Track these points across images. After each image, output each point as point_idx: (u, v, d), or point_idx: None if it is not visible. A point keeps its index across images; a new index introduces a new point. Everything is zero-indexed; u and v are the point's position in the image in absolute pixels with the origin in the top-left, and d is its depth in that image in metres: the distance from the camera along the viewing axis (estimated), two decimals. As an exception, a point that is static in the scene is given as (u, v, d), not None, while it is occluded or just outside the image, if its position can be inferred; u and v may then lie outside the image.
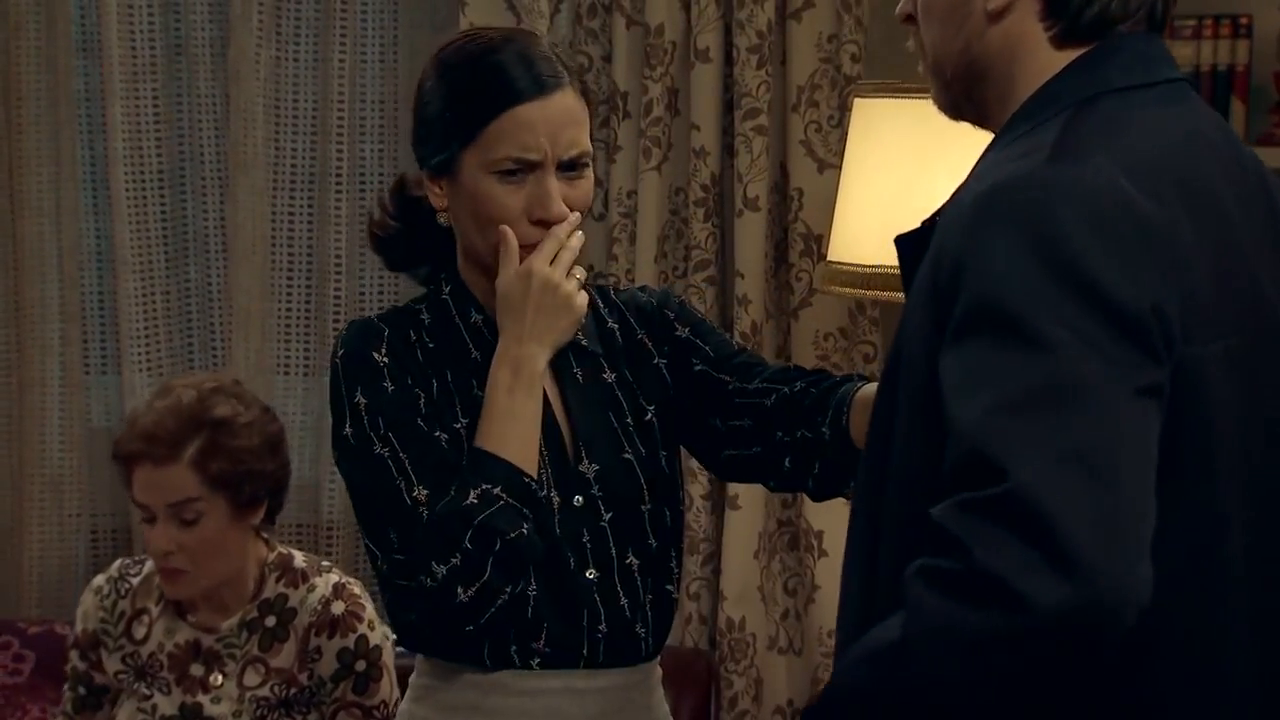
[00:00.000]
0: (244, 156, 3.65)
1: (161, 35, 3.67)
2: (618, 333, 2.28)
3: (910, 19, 1.83)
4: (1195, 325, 1.59)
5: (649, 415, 2.25)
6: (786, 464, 2.22)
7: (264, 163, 3.67)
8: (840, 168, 3.33)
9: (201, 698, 2.80)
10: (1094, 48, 1.72)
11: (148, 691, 2.82)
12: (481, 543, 2.07)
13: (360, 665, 2.80)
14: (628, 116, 3.51)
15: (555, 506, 2.16)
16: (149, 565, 2.90)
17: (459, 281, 2.22)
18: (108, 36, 3.59)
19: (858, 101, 3.28)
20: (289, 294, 3.74)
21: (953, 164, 3.04)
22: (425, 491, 2.10)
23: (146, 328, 3.67)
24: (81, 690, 2.89)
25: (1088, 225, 1.56)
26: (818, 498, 2.27)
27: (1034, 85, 1.72)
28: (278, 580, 2.83)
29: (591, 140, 2.18)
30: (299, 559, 2.87)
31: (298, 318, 3.74)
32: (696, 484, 3.49)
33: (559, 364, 2.20)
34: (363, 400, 2.13)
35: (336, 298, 3.70)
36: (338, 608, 2.80)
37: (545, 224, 2.13)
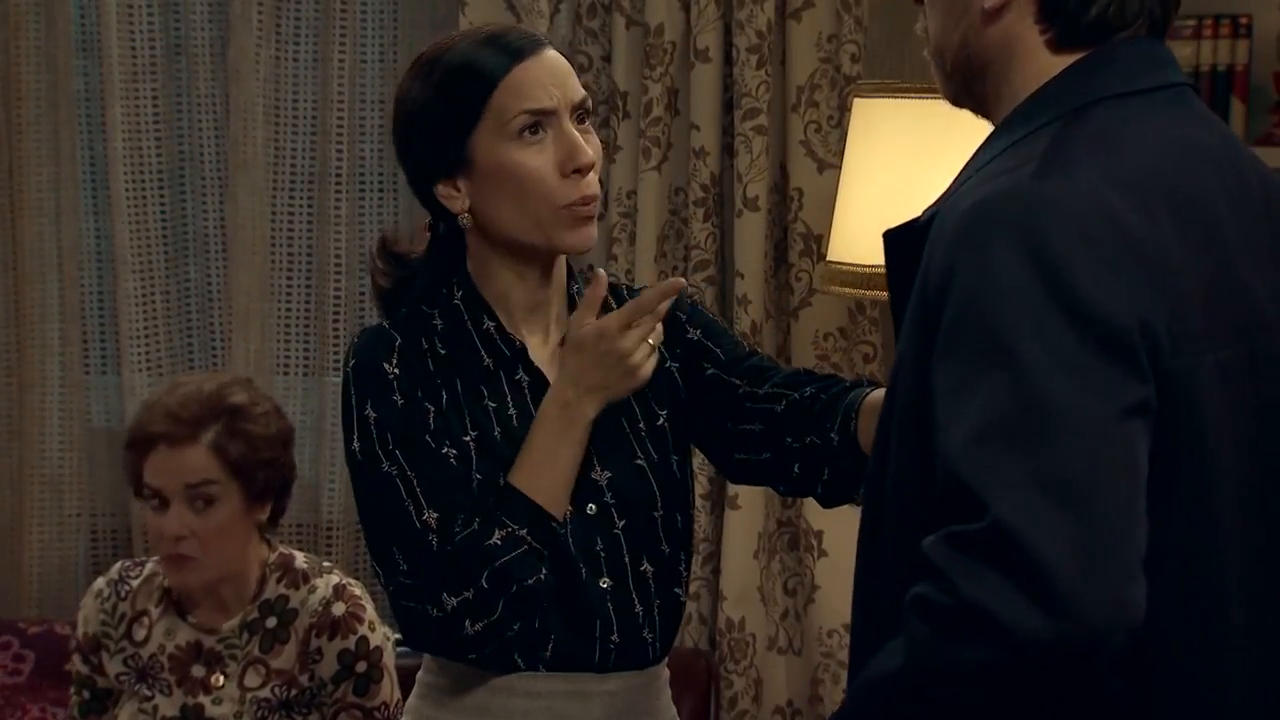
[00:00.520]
0: (244, 156, 3.65)
1: (161, 35, 3.67)
2: None
3: (920, 0, 1.82)
4: (1184, 338, 1.59)
5: (661, 420, 2.24)
6: (796, 470, 2.21)
7: (264, 163, 3.67)
8: (840, 168, 3.33)
9: (203, 698, 2.80)
10: (1092, 52, 1.71)
11: (149, 693, 2.82)
12: (497, 584, 2.06)
13: (361, 666, 2.80)
14: (627, 116, 3.51)
15: (568, 515, 2.14)
16: (149, 567, 2.91)
17: (470, 286, 2.19)
18: (108, 36, 3.59)
19: (857, 101, 3.28)
20: (289, 294, 3.74)
21: (952, 164, 3.02)
22: (435, 515, 2.08)
23: (146, 328, 3.67)
24: (86, 694, 2.90)
25: (1073, 241, 1.55)
26: (827, 504, 2.25)
27: (1031, 87, 1.72)
28: (279, 581, 2.83)
29: None
30: (300, 560, 2.87)
31: (298, 318, 3.74)
32: (696, 484, 3.48)
33: None
34: (372, 414, 2.11)
35: (336, 298, 3.70)
36: (338, 609, 2.80)
37: (580, 173, 2.11)
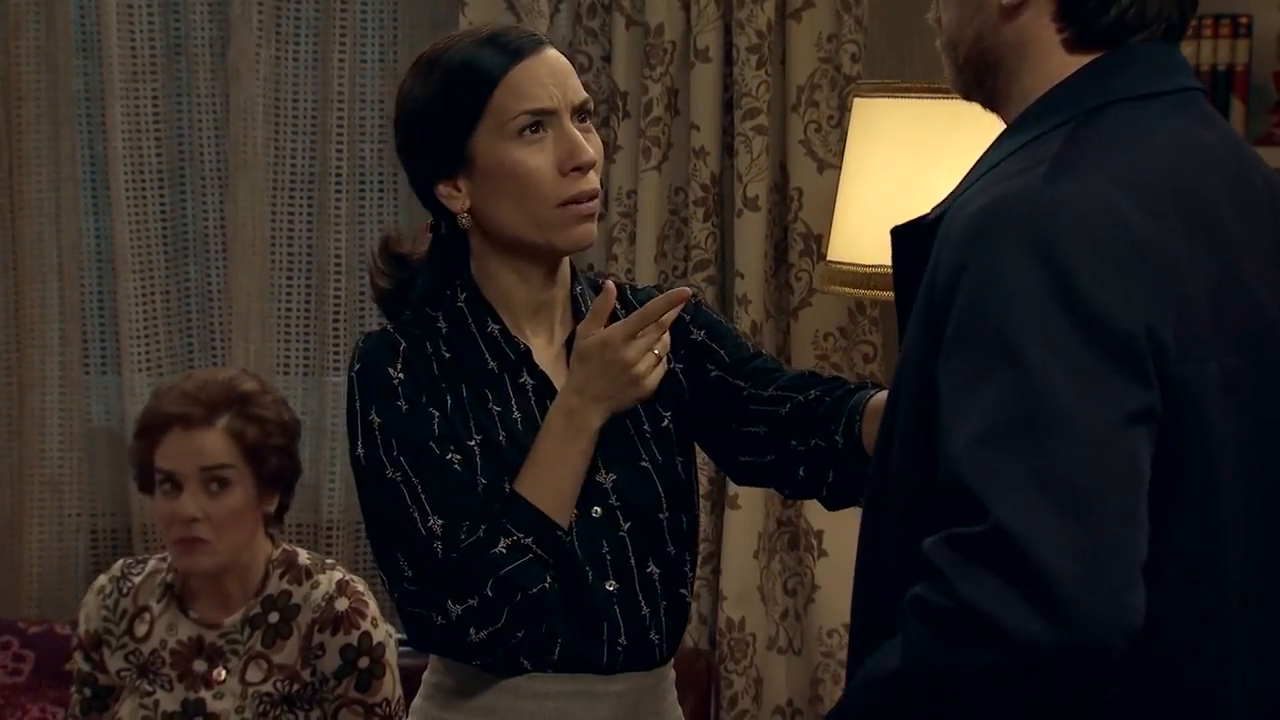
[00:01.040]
0: (244, 156, 3.65)
1: (161, 35, 3.67)
2: None
3: None
4: (1190, 344, 1.58)
5: (665, 421, 2.24)
6: (801, 473, 2.20)
7: (264, 163, 3.67)
8: (840, 168, 3.33)
9: (204, 693, 2.81)
10: (1107, 54, 1.70)
11: (150, 688, 2.83)
12: (502, 592, 2.06)
13: (363, 662, 2.80)
14: (627, 116, 3.51)
15: (573, 519, 2.14)
16: (151, 564, 2.91)
17: (474, 289, 2.19)
18: (108, 36, 3.59)
19: (857, 101, 3.28)
20: (289, 294, 3.74)
21: (952, 164, 3.05)
22: (440, 522, 2.07)
23: (146, 328, 3.67)
24: (88, 692, 2.90)
25: (1082, 245, 1.55)
26: (832, 507, 2.25)
27: (1044, 86, 1.71)
28: (281, 576, 2.84)
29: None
30: (303, 556, 2.88)
31: (298, 318, 3.74)
32: (697, 484, 3.49)
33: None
34: (376, 419, 2.11)
35: (336, 298, 3.70)
36: (341, 604, 2.81)
37: (580, 171, 2.11)
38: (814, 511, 3.51)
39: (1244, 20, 3.35)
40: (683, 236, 3.54)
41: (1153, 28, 1.71)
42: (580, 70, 3.50)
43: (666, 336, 2.13)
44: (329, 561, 2.91)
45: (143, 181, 3.66)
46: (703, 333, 2.28)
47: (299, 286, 3.73)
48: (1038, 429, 1.50)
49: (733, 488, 3.51)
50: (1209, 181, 1.68)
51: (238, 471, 2.78)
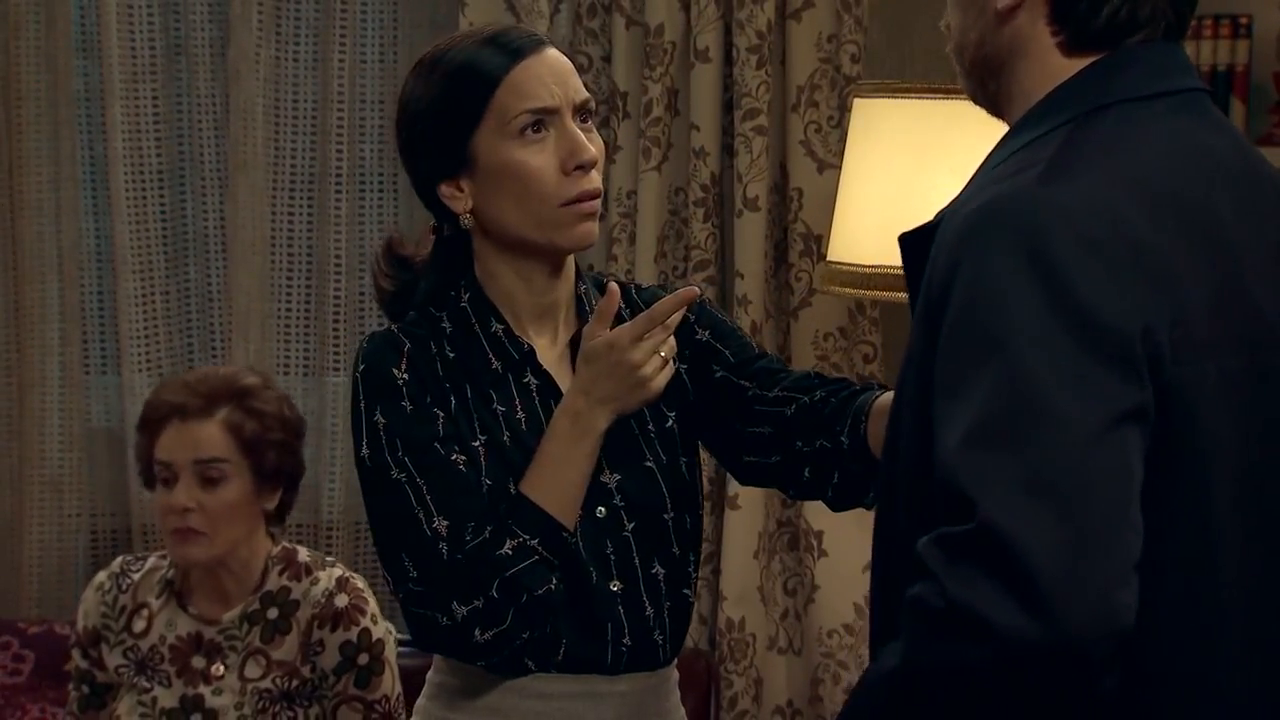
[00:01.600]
0: (244, 156, 3.65)
1: (161, 35, 3.67)
2: None
3: None
4: (1186, 346, 1.58)
5: (669, 422, 2.24)
6: (806, 473, 2.20)
7: (264, 163, 3.67)
8: (840, 168, 3.33)
9: (203, 689, 2.81)
10: (1107, 56, 1.71)
11: (147, 685, 2.83)
12: (507, 594, 2.06)
13: (362, 659, 2.80)
14: (627, 116, 3.52)
15: (578, 519, 2.13)
16: (151, 561, 2.92)
17: (478, 289, 2.19)
18: (108, 36, 3.59)
19: (857, 101, 3.28)
20: (289, 294, 3.74)
21: (952, 164, 3.06)
22: (445, 523, 2.07)
23: (146, 328, 3.67)
24: (85, 689, 2.90)
25: (1076, 245, 1.55)
26: (836, 508, 2.25)
27: (1044, 89, 1.72)
28: (281, 573, 2.84)
29: None
30: (303, 553, 2.88)
31: (298, 318, 3.74)
32: (701, 485, 3.49)
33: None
34: (381, 420, 2.11)
35: (336, 298, 3.70)
36: (341, 600, 2.81)
37: (583, 170, 2.11)
38: (814, 512, 3.51)
39: (1244, 20, 3.35)
40: (683, 237, 3.54)
41: (1148, 28, 1.71)
42: (580, 70, 3.50)
43: (672, 339, 2.13)
44: (329, 559, 2.91)
45: (143, 182, 3.66)
46: (707, 333, 2.28)
47: (299, 286, 3.73)
48: (1026, 427, 1.50)
49: (733, 488, 3.51)
50: (1211, 185, 1.67)
51: (234, 465, 2.78)
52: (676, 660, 2.25)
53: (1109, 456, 1.52)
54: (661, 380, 2.13)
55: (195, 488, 2.77)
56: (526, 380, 2.18)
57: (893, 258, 3.27)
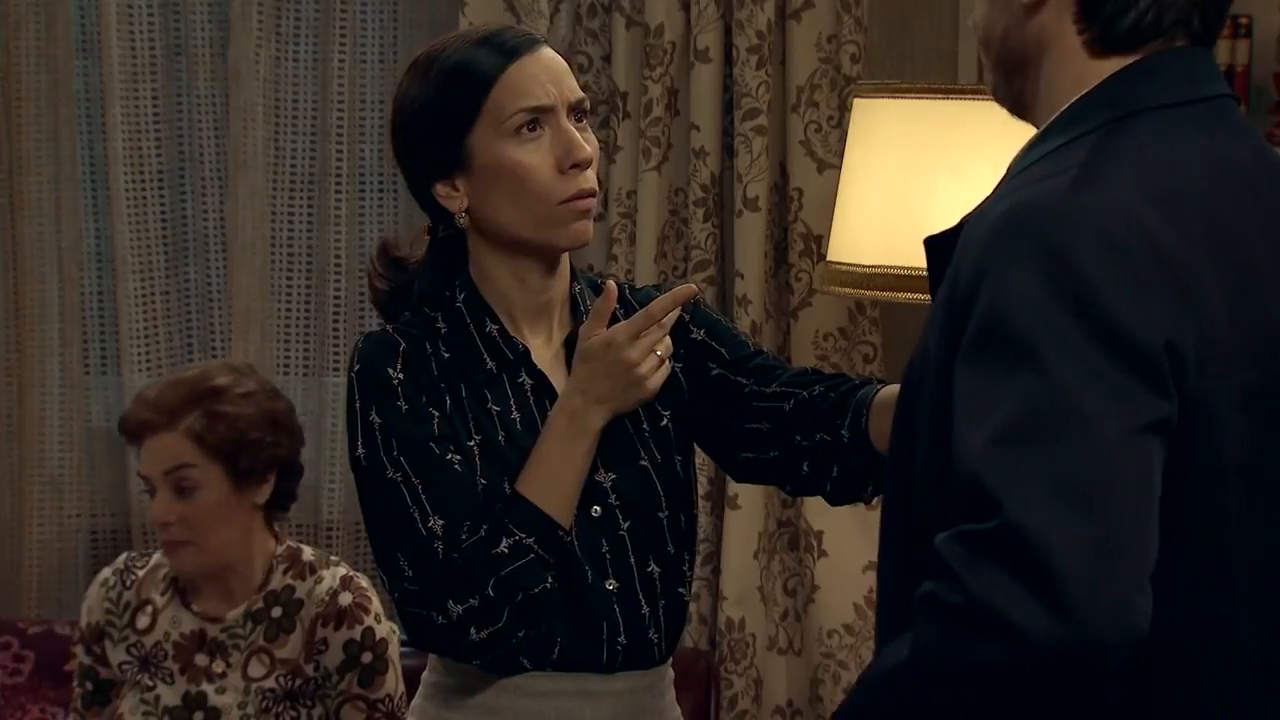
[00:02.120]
0: (244, 156, 3.65)
1: (161, 35, 3.67)
2: None
3: None
4: (1209, 360, 1.58)
5: (664, 421, 2.24)
6: (805, 468, 2.20)
7: (264, 163, 3.67)
8: (840, 168, 3.33)
9: (206, 687, 2.81)
10: (1135, 63, 1.69)
11: (150, 683, 2.83)
12: (503, 593, 2.07)
13: (366, 658, 2.80)
14: (627, 117, 3.52)
15: (573, 518, 2.14)
16: (155, 557, 2.92)
17: (473, 290, 2.19)
18: (108, 36, 3.59)
19: (857, 102, 3.28)
20: (289, 294, 3.74)
21: (952, 164, 3.06)
22: (440, 523, 2.08)
23: (146, 328, 3.67)
24: (89, 685, 2.91)
25: (1104, 255, 1.55)
26: (835, 502, 2.26)
27: (1069, 91, 1.71)
28: (285, 572, 2.84)
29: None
30: (308, 553, 2.88)
31: (298, 318, 3.74)
32: (696, 484, 3.49)
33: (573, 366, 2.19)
34: (376, 420, 2.11)
35: (336, 298, 3.70)
36: (345, 599, 2.81)
37: (578, 168, 2.11)
38: (814, 512, 3.51)
39: (1244, 20, 3.34)
40: (683, 237, 3.54)
41: (1172, 32, 1.70)
42: (580, 70, 3.52)
43: (668, 340, 2.13)
44: (333, 558, 2.91)
45: (143, 182, 3.66)
46: (702, 331, 2.28)
47: (299, 287, 3.73)
48: (1054, 430, 1.50)
49: (733, 488, 3.51)
50: (1236, 196, 1.67)
51: (204, 471, 2.76)
52: (671, 659, 2.26)
53: (1135, 463, 1.52)
54: (658, 379, 2.13)
55: (172, 499, 2.76)
56: (521, 380, 2.18)
57: (893, 258, 3.27)
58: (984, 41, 1.80)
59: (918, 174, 3.11)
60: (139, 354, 3.66)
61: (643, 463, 2.20)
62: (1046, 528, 1.47)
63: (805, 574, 3.56)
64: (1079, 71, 1.71)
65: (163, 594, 2.86)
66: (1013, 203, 1.61)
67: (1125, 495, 1.50)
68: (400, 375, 2.13)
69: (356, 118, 3.68)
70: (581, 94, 2.16)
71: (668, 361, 2.15)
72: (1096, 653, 1.48)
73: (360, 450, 2.12)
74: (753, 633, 3.56)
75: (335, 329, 3.70)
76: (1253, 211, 1.67)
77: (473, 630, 2.07)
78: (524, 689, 2.15)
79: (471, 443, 2.13)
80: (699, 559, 3.54)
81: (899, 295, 3.10)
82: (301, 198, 3.72)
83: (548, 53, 2.15)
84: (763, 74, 3.45)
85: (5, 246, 3.66)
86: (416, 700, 2.25)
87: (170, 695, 2.82)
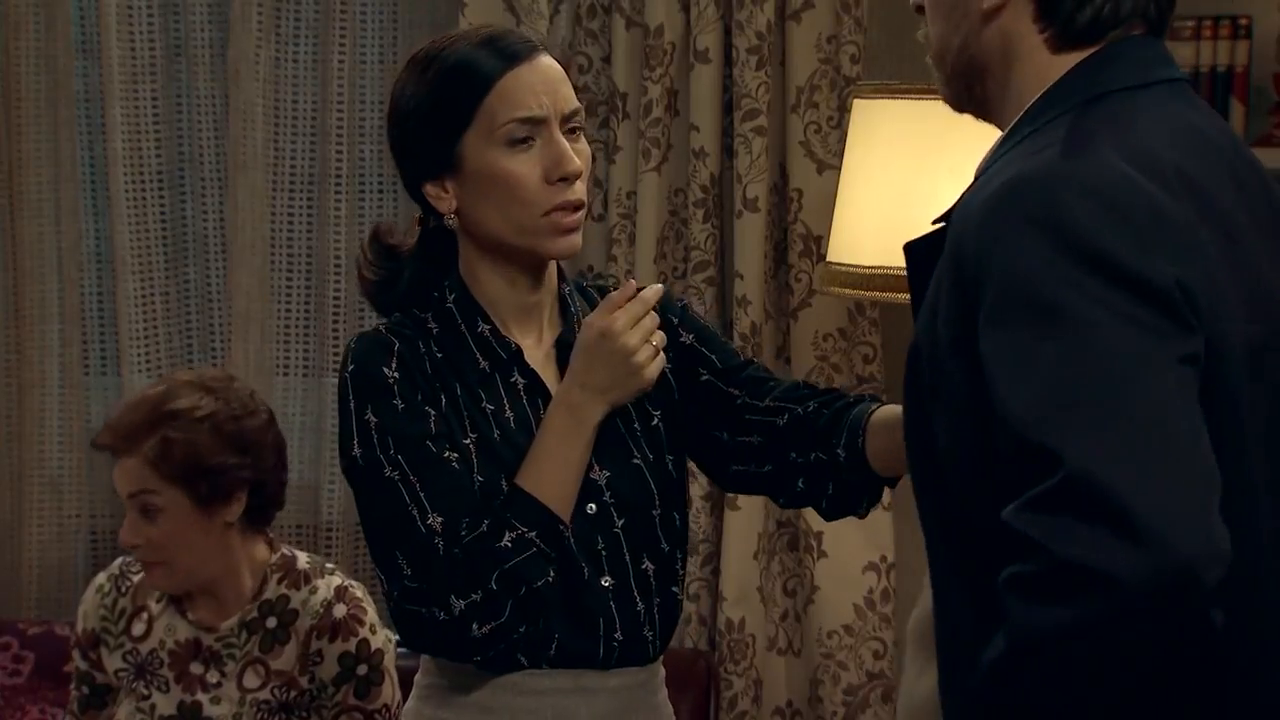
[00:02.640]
0: (244, 157, 3.65)
1: (161, 36, 3.68)
2: None
3: (921, 9, 1.84)
4: (1219, 304, 1.61)
5: (655, 420, 2.24)
6: (800, 484, 2.22)
7: (264, 163, 3.68)
8: (840, 168, 3.33)
9: (201, 696, 2.80)
10: (1094, 53, 1.73)
11: (146, 691, 2.82)
12: (506, 587, 2.07)
13: (362, 669, 2.79)
14: (627, 117, 3.51)
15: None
16: (152, 563, 2.91)
17: (463, 290, 2.20)
18: (107, 37, 3.59)
19: (857, 102, 3.28)
20: (289, 294, 3.74)
21: (952, 165, 3.05)
22: (440, 519, 2.08)
23: (146, 328, 3.67)
24: (85, 690, 2.90)
25: (1105, 212, 1.58)
26: (829, 516, 2.26)
27: (1034, 87, 1.74)
28: (279, 581, 2.83)
29: (589, 142, 2.19)
30: (302, 560, 2.86)
31: (297, 318, 3.74)
32: (696, 484, 3.49)
33: (564, 366, 2.19)
34: (373, 419, 2.12)
35: (336, 298, 3.70)
36: (339, 611, 2.80)
37: (567, 181, 2.12)
38: (813, 513, 3.49)
39: (1244, 21, 3.34)
40: (682, 237, 3.54)
41: (1130, 22, 1.74)
42: (580, 71, 3.51)
43: (661, 333, 2.14)
44: (329, 566, 2.89)
45: (143, 182, 3.66)
46: (691, 336, 2.29)
47: (299, 287, 3.74)
48: (1096, 375, 1.52)
49: (732, 488, 3.50)
50: (1209, 163, 1.70)
51: (163, 496, 2.72)
52: (662, 658, 2.26)
53: (1179, 394, 1.54)
54: (654, 369, 2.14)
55: (139, 521, 2.74)
56: (514, 379, 2.19)
57: (893, 259, 3.27)
58: (938, 55, 1.83)
59: (917, 174, 3.11)
60: (139, 354, 3.66)
61: (635, 461, 2.21)
62: (1110, 467, 1.48)
63: (805, 574, 3.56)
64: (1041, 68, 1.74)
65: (158, 601, 2.85)
66: (1007, 177, 1.63)
67: (1178, 425, 1.52)
68: (395, 374, 2.13)
69: (356, 118, 3.68)
70: (577, 104, 2.16)
71: (662, 353, 2.16)
72: (1188, 572, 1.48)
73: (357, 450, 2.12)
74: (752, 633, 3.56)
75: (335, 329, 3.70)
76: (1224, 175, 1.71)
77: (475, 625, 2.07)
78: (520, 687, 2.16)
79: (467, 441, 2.14)
80: (699, 559, 3.56)
81: (899, 295, 3.10)
82: (301, 198, 3.72)
83: (546, 61, 2.15)
84: (762, 75, 3.45)
85: (5, 246, 3.66)
86: (410, 703, 2.25)
87: (165, 704, 2.81)
